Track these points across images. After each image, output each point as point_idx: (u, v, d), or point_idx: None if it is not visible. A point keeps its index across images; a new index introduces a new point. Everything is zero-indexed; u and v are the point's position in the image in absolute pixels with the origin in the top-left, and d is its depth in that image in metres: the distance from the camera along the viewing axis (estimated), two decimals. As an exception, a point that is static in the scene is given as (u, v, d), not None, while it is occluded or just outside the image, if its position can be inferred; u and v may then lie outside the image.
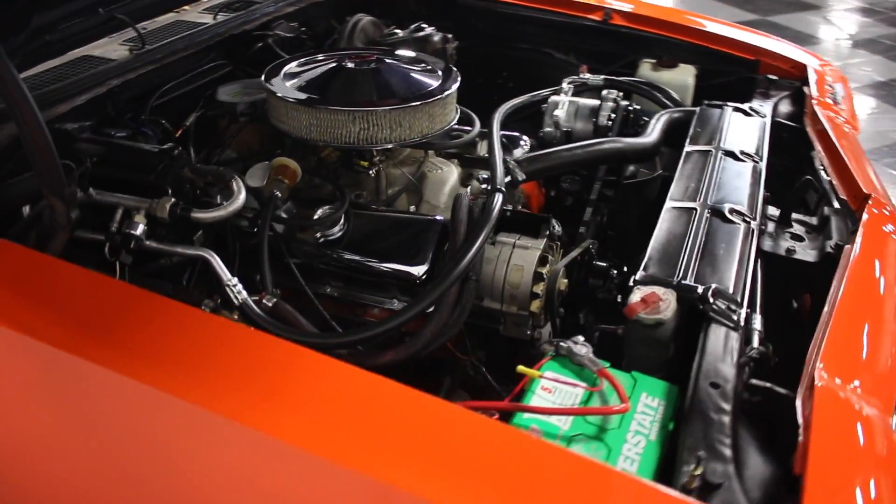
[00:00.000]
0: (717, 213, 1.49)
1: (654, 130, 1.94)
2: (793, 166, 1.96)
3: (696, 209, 1.51)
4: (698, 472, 0.94)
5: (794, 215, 1.65)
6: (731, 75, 2.31)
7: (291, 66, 1.81)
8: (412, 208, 1.78)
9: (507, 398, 1.15)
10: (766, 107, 2.04)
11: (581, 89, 2.22)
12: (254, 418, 0.86)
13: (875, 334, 1.19)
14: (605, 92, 2.13)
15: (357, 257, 1.64)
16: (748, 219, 1.49)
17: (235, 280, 1.36)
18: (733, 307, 1.24)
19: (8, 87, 1.09)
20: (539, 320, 1.55)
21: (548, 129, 2.13)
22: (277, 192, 1.59)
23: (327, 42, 2.39)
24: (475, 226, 1.50)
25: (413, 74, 1.84)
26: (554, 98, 2.16)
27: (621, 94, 2.14)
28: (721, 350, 1.16)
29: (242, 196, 1.45)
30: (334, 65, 1.80)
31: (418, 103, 1.68)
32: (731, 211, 1.50)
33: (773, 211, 1.65)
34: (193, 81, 1.90)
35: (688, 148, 1.79)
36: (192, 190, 1.51)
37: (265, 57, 2.03)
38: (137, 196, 1.42)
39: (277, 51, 2.08)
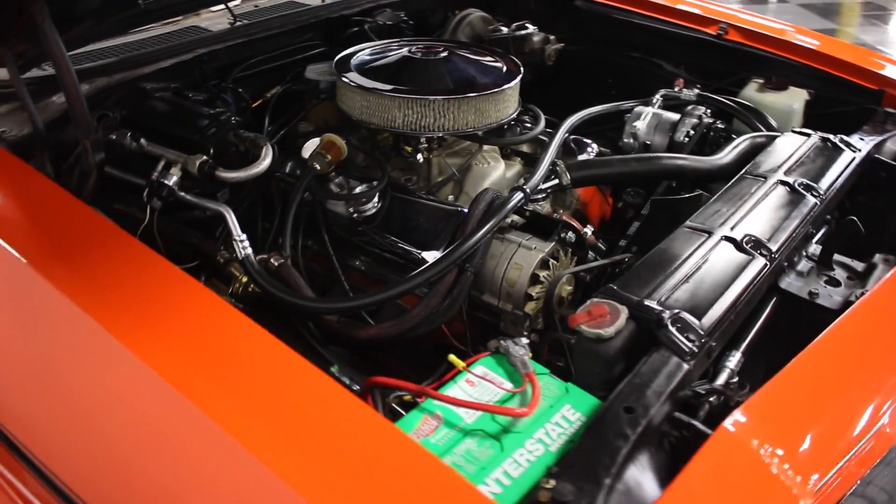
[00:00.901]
0: (731, 240, 1.40)
1: (729, 153, 1.84)
2: (884, 208, 1.78)
3: (710, 233, 1.42)
4: (549, 485, 0.92)
5: (841, 259, 1.51)
6: (849, 105, 2.11)
7: (365, 53, 1.91)
8: (450, 198, 1.83)
9: (433, 383, 1.18)
10: (866, 141, 1.85)
11: (672, 102, 2.13)
12: (134, 341, 0.96)
13: (836, 393, 1.08)
14: (689, 107, 2.04)
15: (383, 236, 1.72)
16: (765, 252, 1.38)
17: (244, 237, 1.49)
18: (692, 338, 1.17)
19: (54, 52, 1.29)
20: (536, 322, 1.54)
21: (627, 140, 2.08)
22: (316, 165, 1.70)
23: (436, 33, 2.47)
24: (481, 219, 1.52)
25: (476, 69, 1.87)
26: (638, 109, 2.10)
27: (709, 111, 2.04)
28: (655, 377, 1.11)
29: (265, 163, 1.57)
30: (400, 54, 1.88)
31: (461, 96, 1.71)
32: (749, 241, 1.40)
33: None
34: (283, 58, 2.06)
35: (743, 172, 1.68)
36: (236, 152, 1.66)
37: (359, 41, 2.15)
38: (182, 152, 1.58)
39: (371, 37, 2.20)
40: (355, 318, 1.56)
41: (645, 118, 2.07)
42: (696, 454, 0.95)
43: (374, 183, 1.75)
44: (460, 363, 1.18)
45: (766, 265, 1.37)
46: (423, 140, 1.81)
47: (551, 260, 1.54)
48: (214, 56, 1.92)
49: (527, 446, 1.07)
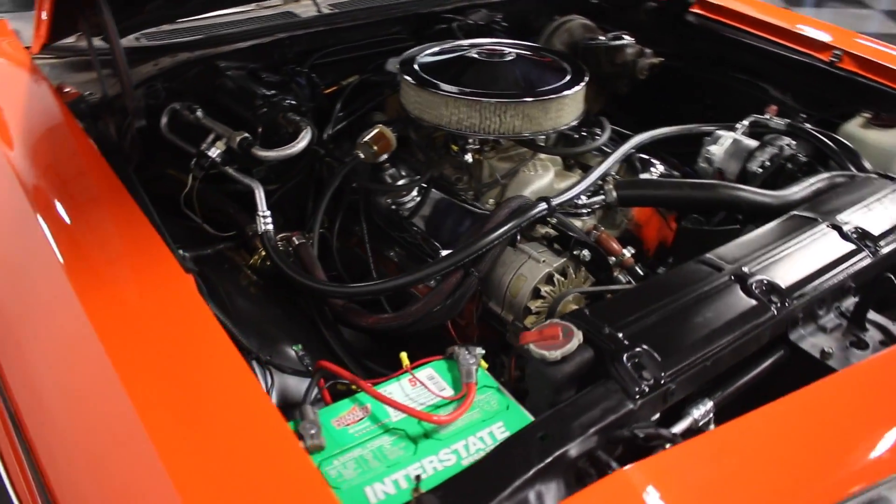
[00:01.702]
0: (739, 281, 1.30)
1: (800, 190, 1.69)
2: None
3: (719, 270, 1.33)
4: (415, 493, 0.92)
5: (879, 319, 1.35)
6: None
7: (431, 51, 1.94)
8: (491, 202, 1.82)
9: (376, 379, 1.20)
10: None
11: (759, 130, 1.99)
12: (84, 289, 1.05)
13: (768, 468, 0.98)
14: (772, 137, 1.89)
15: (417, 230, 1.75)
16: (776, 299, 1.27)
17: (268, 213, 1.57)
18: (647, 377, 1.10)
19: (107, 27, 1.43)
20: (536, 338, 1.51)
21: (701, 165, 1.97)
22: (360, 154, 1.76)
23: (531, 38, 2.45)
24: (494, 226, 1.51)
25: (537, 75, 1.85)
26: (718, 133, 1.98)
27: (793, 143, 1.88)
28: (589, 409, 1.06)
29: (300, 145, 1.64)
30: (464, 54, 1.89)
31: (507, 100, 1.70)
32: (761, 285, 1.29)
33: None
34: (366, 48, 2.13)
35: (795, 211, 1.55)
36: (285, 133, 1.75)
37: (445, 38, 2.19)
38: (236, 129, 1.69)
39: (458, 35, 2.22)
40: (368, 305, 1.60)
41: (722, 143, 1.95)
42: (578, 492, 0.91)
43: (416, 178, 1.78)
44: (406, 363, 1.19)
45: (772, 314, 1.25)
46: (472, 141, 1.81)
47: (557, 276, 1.50)
48: (296, 41, 2.03)
49: (440, 455, 1.07)
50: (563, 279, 1.51)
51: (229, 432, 0.92)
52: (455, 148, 1.82)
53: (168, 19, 1.92)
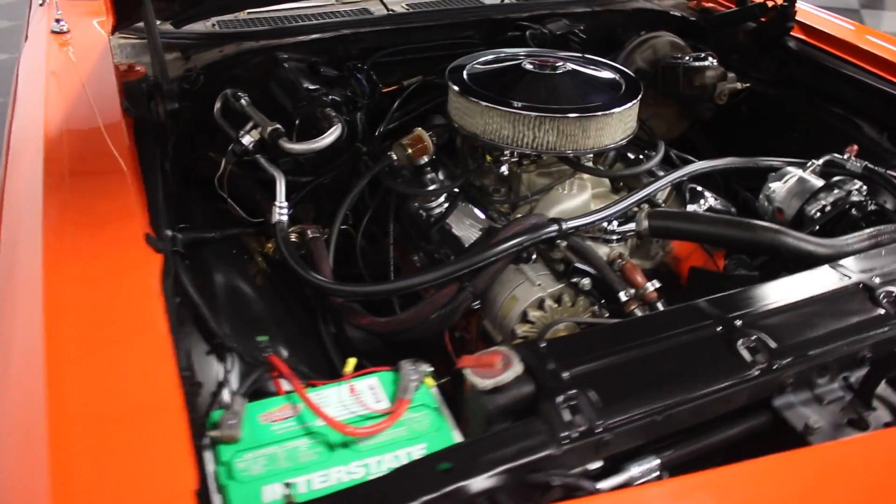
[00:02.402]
0: (725, 334, 1.19)
1: (856, 241, 1.52)
2: None
3: (709, 319, 1.22)
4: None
5: (892, 397, 1.19)
6: None
7: (486, 57, 1.91)
8: (518, 216, 1.77)
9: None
10: None
11: (833, 170, 1.81)
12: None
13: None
14: (839, 178, 1.71)
15: (436, 237, 1.74)
16: (762, 360, 1.15)
17: (285, 203, 1.61)
18: (579, 422, 1.04)
19: (146, 15, 1.52)
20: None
21: (761, 202, 1.82)
22: (394, 155, 1.77)
23: (609, 55, 2.33)
24: (495, 242, 1.47)
25: (586, 90, 1.77)
26: (786, 169, 1.82)
27: (865, 188, 1.70)
28: (505, 446, 1.01)
29: (326, 141, 1.66)
30: (512, 63, 1.85)
31: (540, 114, 1.64)
32: (750, 342, 1.17)
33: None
34: (434, 51, 2.12)
35: (831, 264, 1.39)
36: (322, 127, 1.78)
37: (517, 46, 2.15)
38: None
39: (530, 44, 2.17)
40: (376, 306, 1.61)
41: (787, 181, 1.79)
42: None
43: (444, 185, 1.77)
44: (349, 371, 1.18)
45: (752, 374, 1.14)
46: (508, 153, 1.76)
47: (550, 302, 1.44)
48: (361, 38, 2.06)
49: (350, 466, 1.06)
50: (555, 306, 1.45)
51: (117, 412, 0.95)
52: (489, 159, 1.79)
53: (228, 10, 2.01)
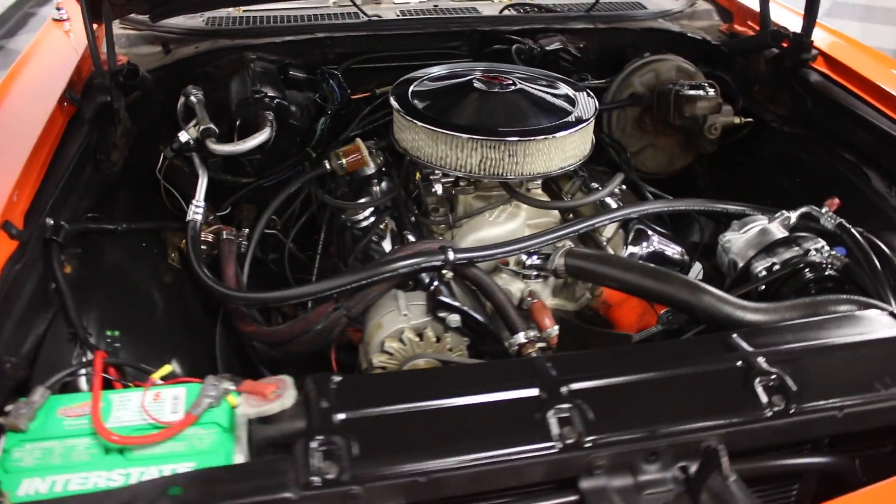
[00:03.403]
0: (546, 398, 1.08)
1: (785, 309, 1.36)
2: None
3: (532, 378, 1.12)
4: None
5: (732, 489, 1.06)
6: None
7: (440, 72, 1.86)
8: (442, 236, 1.71)
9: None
10: None
11: (806, 225, 1.62)
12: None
13: None
14: (799, 234, 1.54)
15: (358, 252, 1.72)
16: (573, 434, 1.04)
17: (202, 203, 1.64)
18: (327, 470, 0.98)
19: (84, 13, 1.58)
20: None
21: (718, 252, 1.66)
22: (327, 164, 1.76)
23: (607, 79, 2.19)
24: (372, 267, 1.43)
25: (531, 112, 1.68)
26: (750, 218, 1.65)
27: (832, 251, 1.51)
28: (242, 481, 0.98)
29: (247, 145, 1.67)
30: (462, 80, 1.79)
31: (460, 135, 1.58)
32: (568, 413, 1.06)
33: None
34: (414, 59, 2.08)
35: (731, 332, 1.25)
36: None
37: (503, 59, 2.08)
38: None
39: (514, 59, 2.08)
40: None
41: (747, 231, 1.62)
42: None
43: (370, 199, 1.75)
44: (155, 378, 1.19)
45: (554, 449, 1.03)
46: (437, 173, 1.70)
47: (409, 334, 1.38)
48: (338, 42, 2.05)
49: (113, 473, 1.07)
50: (416, 340, 1.38)
51: None
52: (418, 176, 1.74)
53: (198, 7, 2.05)
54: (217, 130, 1.71)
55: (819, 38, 2.09)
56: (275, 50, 2.02)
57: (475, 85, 1.75)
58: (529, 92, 1.74)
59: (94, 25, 1.70)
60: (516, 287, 1.61)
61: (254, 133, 1.76)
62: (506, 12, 2.28)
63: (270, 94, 1.82)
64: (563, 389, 1.09)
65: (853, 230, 1.55)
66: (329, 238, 1.82)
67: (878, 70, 1.97)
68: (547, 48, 2.10)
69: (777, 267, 1.52)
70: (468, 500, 1.04)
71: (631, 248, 1.69)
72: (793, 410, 1.10)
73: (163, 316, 1.57)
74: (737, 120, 2.00)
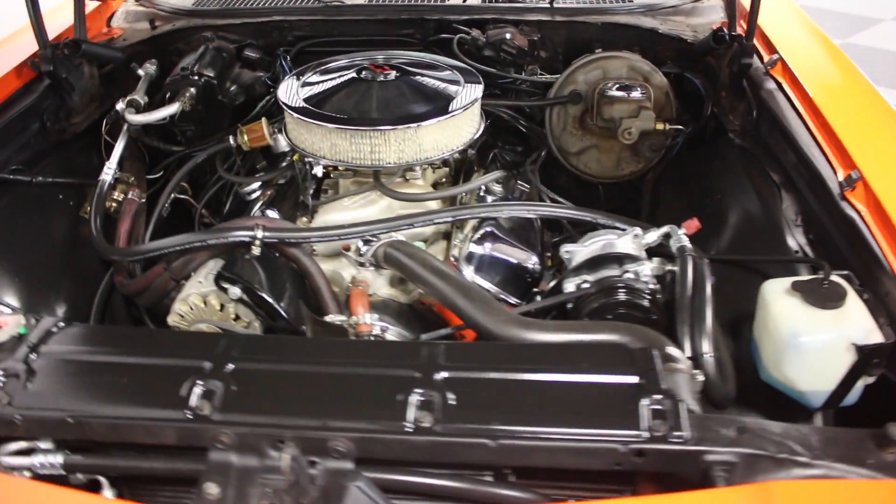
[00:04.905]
0: (211, 369, 1.16)
1: (553, 330, 1.31)
2: None
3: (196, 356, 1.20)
4: None
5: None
6: None
7: (336, 64, 1.91)
8: (304, 220, 1.78)
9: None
10: None
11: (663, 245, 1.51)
12: None
13: None
14: (631, 254, 1.45)
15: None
16: (208, 410, 1.11)
17: (113, 166, 1.85)
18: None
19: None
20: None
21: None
22: (230, 138, 1.90)
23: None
24: (192, 236, 1.56)
25: (405, 102, 1.70)
26: (599, 231, 1.56)
27: (649, 274, 1.41)
28: None
29: (153, 117, 1.85)
30: (345, 69, 1.84)
31: (320, 123, 1.65)
32: (204, 390, 1.14)
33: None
34: (366, 45, 2.12)
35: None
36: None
37: (444, 50, 2.09)
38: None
39: (454, 50, 2.07)
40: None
41: (589, 244, 1.54)
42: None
43: (261, 175, 1.88)
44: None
45: (183, 417, 1.09)
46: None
47: (195, 300, 1.49)
48: (293, 25, 2.16)
49: None
50: (201, 306, 1.49)
51: None
52: (297, 158, 1.82)
53: None
54: (141, 102, 1.92)
55: (788, 39, 1.86)
56: (237, 31, 2.18)
57: (358, 75, 1.79)
58: (410, 82, 1.76)
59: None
60: (349, 273, 1.65)
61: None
62: (469, 1, 2.26)
63: (206, 72, 1.99)
64: (225, 366, 1.15)
65: (690, 257, 1.42)
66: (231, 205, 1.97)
67: (831, 86, 1.72)
68: (490, 41, 2.06)
69: (586, 285, 1.43)
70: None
71: (473, 247, 1.66)
72: (438, 430, 1.08)
73: (60, 263, 1.80)
74: (659, 126, 1.85)
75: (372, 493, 1.07)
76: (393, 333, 1.55)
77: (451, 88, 1.76)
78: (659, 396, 1.09)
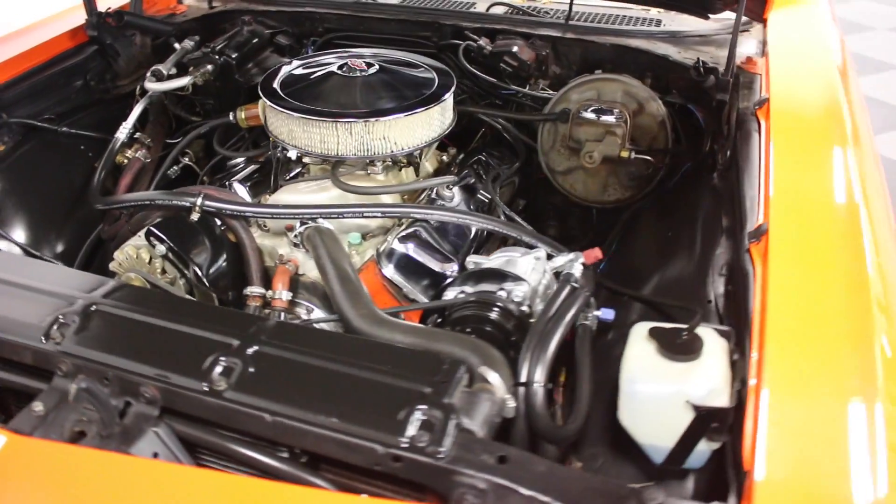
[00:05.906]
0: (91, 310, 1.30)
1: (399, 331, 1.35)
2: None
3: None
4: None
5: None
6: None
7: (323, 59, 2.00)
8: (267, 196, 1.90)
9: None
10: None
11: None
12: None
13: None
14: (515, 274, 1.45)
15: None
16: (59, 338, 1.26)
17: (128, 126, 2.06)
18: None
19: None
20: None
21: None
22: (231, 115, 2.06)
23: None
24: (148, 195, 1.73)
25: (378, 97, 1.77)
26: (517, 249, 1.57)
27: (520, 296, 1.41)
28: None
29: (168, 85, 2.04)
30: (326, 65, 1.93)
31: (279, 109, 1.76)
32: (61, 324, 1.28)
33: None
34: (388, 43, 2.21)
35: None
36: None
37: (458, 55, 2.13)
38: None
39: (460, 57, 2.10)
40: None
41: (495, 257, 1.55)
42: None
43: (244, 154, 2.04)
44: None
45: (39, 344, 1.26)
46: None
47: (130, 250, 1.64)
48: (323, 18, 2.29)
49: None
50: (133, 257, 1.64)
51: None
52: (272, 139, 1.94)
53: None
54: (164, 72, 2.12)
55: (790, 78, 1.73)
56: (275, 17, 2.35)
57: (335, 70, 1.88)
58: (384, 79, 1.83)
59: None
60: (285, 251, 1.75)
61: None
62: (492, 10, 2.27)
63: (228, 52, 2.17)
64: (89, 307, 1.29)
65: (569, 286, 1.39)
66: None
67: (799, 134, 1.59)
68: (493, 50, 2.08)
69: (462, 295, 1.44)
70: None
71: (395, 245, 1.70)
72: (228, 396, 1.15)
73: (67, 207, 2.04)
74: (624, 154, 1.78)
75: (168, 440, 1.18)
76: (318, 314, 1.64)
77: (423, 88, 1.81)
78: (435, 410, 1.10)
